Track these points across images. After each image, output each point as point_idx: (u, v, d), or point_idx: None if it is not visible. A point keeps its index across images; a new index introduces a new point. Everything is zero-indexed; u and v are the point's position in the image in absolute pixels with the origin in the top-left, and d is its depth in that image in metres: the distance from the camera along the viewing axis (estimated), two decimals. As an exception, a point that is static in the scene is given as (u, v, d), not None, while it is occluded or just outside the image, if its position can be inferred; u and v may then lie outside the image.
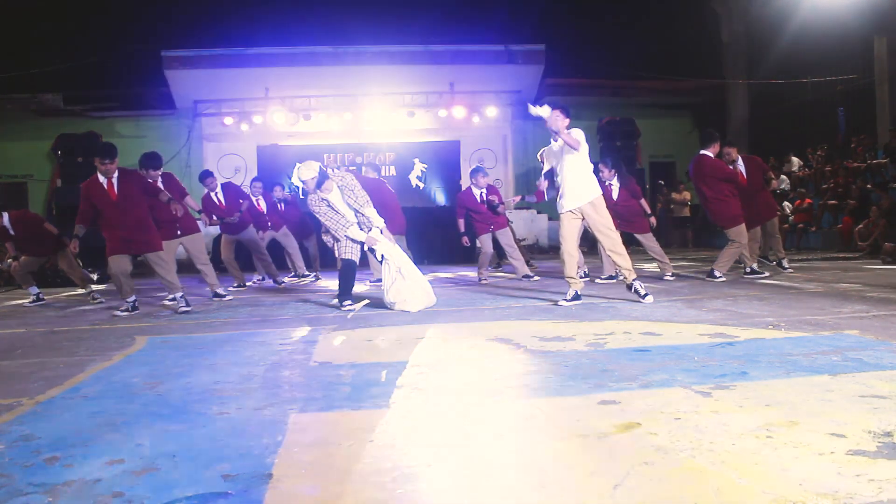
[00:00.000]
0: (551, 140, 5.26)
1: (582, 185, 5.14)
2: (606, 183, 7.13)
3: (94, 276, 10.20)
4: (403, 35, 15.34)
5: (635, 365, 2.87)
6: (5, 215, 7.31)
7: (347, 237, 5.48)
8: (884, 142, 12.49)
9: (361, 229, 5.47)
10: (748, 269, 6.91)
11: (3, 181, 15.95)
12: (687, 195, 15.38)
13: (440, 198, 14.85)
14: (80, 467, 1.82)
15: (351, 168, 15.54)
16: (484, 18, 16.59)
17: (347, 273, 5.55)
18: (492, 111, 15.42)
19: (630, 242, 7.32)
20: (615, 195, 7.21)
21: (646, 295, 5.11)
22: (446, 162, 15.04)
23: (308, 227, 9.55)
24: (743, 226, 6.66)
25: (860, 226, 10.39)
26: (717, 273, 6.69)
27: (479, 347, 3.49)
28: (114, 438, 2.08)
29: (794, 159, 14.23)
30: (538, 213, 15.27)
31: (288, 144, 15.31)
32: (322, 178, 5.37)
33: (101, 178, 5.57)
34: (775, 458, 1.71)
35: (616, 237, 5.25)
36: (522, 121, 16.53)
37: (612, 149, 14.60)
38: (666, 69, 16.03)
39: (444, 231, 12.15)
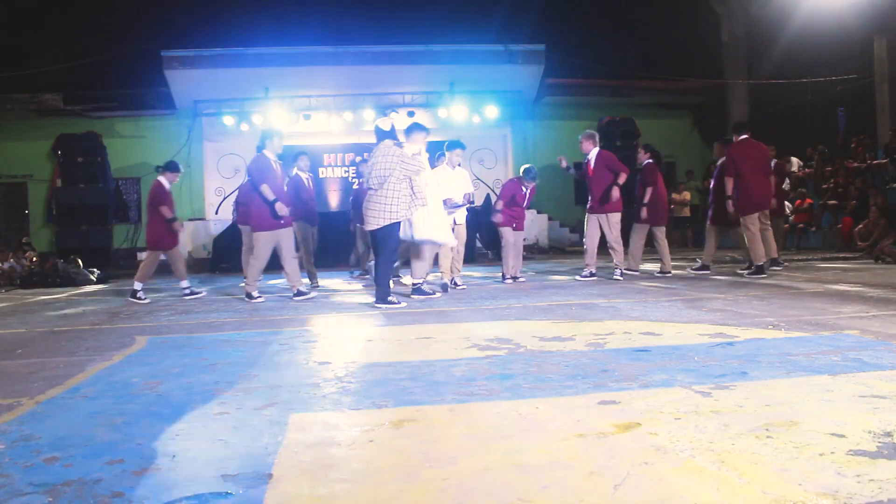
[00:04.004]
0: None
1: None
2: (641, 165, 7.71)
3: (95, 276, 10.21)
4: (403, 35, 15.34)
5: (635, 365, 2.87)
6: (164, 179, 6.96)
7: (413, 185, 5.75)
8: (884, 142, 12.49)
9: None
10: (699, 265, 7.45)
11: (3, 181, 15.96)
12: (687, 195, 15.35)
13: (440, 198, 14.83)
14: (80, 467, 1.81)
15: (351, 168, 15.54)
16: (484, 18, 16.58)
17: (386, 273, 5.70)
18: (492, 111, 15.41)
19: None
20: None
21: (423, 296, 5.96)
22: (446, 162, 15.01)
23: (313, 217, 9.28)
24: (755, 215, 6.91)
25: (860, 226, 10.37)
26: (763, 270, 6.88)
27: (480, 347, 3.49)
28: (114, 438, 2.08)
29: (794, 159, 14.22)
30: (538, 212, 15.26)
31: (288, 144, 15.28)
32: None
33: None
34: (775, 458, 1.71)
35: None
36: (522, 121, 16.52)
37: (611, 149, 14.56)
38: (666, 69, 16.01)
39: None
